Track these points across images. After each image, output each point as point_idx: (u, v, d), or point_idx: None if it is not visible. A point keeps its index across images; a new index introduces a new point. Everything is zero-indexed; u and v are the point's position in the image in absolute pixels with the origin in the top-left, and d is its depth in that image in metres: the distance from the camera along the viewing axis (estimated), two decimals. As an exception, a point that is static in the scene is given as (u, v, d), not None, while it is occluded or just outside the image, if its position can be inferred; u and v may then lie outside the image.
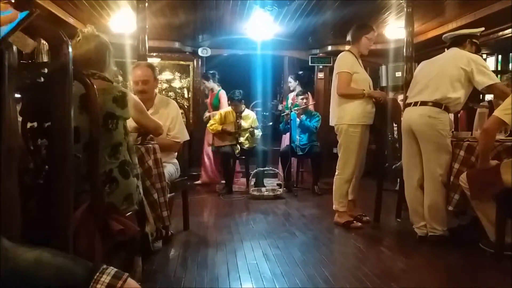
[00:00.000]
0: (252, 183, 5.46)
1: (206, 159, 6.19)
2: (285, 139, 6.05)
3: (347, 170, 3.66)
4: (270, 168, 5.77)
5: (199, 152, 6.21)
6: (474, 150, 2.92)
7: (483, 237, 2.85)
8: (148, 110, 2.94)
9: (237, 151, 5.61)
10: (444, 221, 3.10)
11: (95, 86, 1.63)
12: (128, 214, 1.90)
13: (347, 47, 3.83)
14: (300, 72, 7.24)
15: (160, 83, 6.73)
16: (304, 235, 3.49)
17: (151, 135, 2.67)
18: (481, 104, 4.02)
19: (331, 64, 6.40)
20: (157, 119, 2.66)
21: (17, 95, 1.21)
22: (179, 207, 3.54)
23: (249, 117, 5.78)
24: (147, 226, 2.30)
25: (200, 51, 6.72)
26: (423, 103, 3.13)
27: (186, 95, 7.03)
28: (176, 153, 3.38)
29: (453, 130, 3.42)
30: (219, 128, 5.65)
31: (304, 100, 5.66)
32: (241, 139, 5.68)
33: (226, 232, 3.56)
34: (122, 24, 4.97)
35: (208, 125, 5.83)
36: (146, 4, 4.09)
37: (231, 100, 5.76)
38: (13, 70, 1.06)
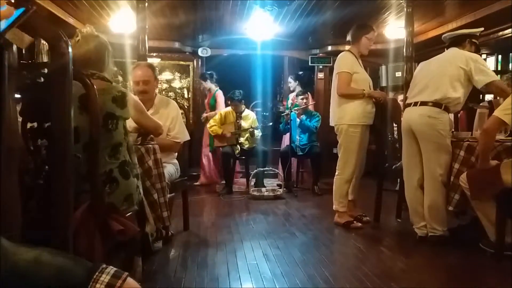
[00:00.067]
0: (252, 183, 5.46)
1: (204, 160, 6.18)
2: (285, 139, 6.05)
3: (347, 170, 3.66)
4: (270, 168, 5.78)
5: (199, 153, 6.21)
6: (474, 150, 2.92)
7: (483, 237, 2.86)
8: (148, 110, 2.94)
9: (237, 151, 5.61)
10: (444, 221, 3.10)
11: (95, 86, 1.63)
12: (128, 214, 1.89)
13: (347, 47, 3.83)
14: (300, 72, 7.24)
15: (160, 83, 6.72)
16: (304, 235, 3.49)
17: (151, 136, 2.67)
18: (481, 104, 4.02)
19: (331, 64, 6.40)
20: (157, 119, 2.66)
21: (17, 95, 1.21)
22: (179, 207, 3.54)
23: (249, 117, 5.78)
24: (147, 226, 2.30)
25: (200, 51, 6.73)
26: (423, 103, 3.13)
27: (186, 95, 7.03)
28: (176, 154, 3.38)
29: (453, 130, 3.42)
30: (219, 131, 5.64)
31: (304, 100, 5.66)
32: (241, 139, 5.68)
33: (226, 232, 3.56)
34: (122, 24, 4.97)
35: (208, 125, 5.83)
36: (146, 4, 4.09)
37: (231, 100, 5.75)
38: (13, 70, 1.06)
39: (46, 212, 1.16)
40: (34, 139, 1.25)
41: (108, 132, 1.84)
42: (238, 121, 5.74)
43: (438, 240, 3.07)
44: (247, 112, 5.85)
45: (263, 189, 5.29)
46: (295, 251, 3.04)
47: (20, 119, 1.24)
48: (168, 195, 2.84)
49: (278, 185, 5.73)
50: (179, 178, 3.36)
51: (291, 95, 6.42)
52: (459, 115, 4.15)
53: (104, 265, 0.88)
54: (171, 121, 3.20)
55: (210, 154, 6.14)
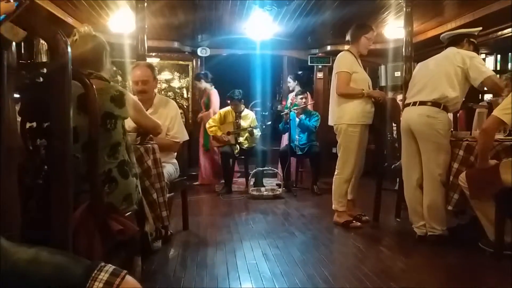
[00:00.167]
0: (252, 183, 5.46)
1: (201, 161, 6.18)
2: (285, 139, 6.05)
3: (346, 169, 3.66)
4: (270, 168, 5.77)
5: (198, 152, 6.20)
6: (473, 149, 2.92)
7: (482, 237, 2.86)
8: (147, 110, 2.94)
9: (236, 151, 5.61)
10: (443, 220, 3.11)
11: (98, 86, 1.63)
12: (128, 214, 1.89)
13: (346, 47, 3.83)
14: (299, 72, 7.25)
15: (159, 83, 6.72)
16: (304, 235, 3.49)
17: (150, 135, 2.67)
18: (480, 104, 4.03)
19: (330, 64, 6.41)
20: (156, 119, 2.66)
21: (16, 95, 1.20)
22: (179, 207, 3.54)
23: (248, 117, 5.79)
24: (146, 225, 2.30)
25: (199, 51, 6.72)
26: (422, 103, 3.13)
27: (185, 95, 7.03)
28: (175, 153, 3.38)
29: (452, 129, 3.42)
30: (219, 133, 5.64)
31: (303, 100, 5.66)
32: (240, 139, 5.68)
33: (226, 232, 3.56)
34: (121, 24, 4.97)
35: (207, 125, 5.82)
36: (145, 4, 4.08)
37: (231, 99, 5.75)
38: (12, 70, 1.06)
39: (46, 212, 1.16)
40: (33, 139, 1.25)
41: (107, 131, 1.84)
42: (237, 120, 5.74)
43: (437, 240, 3.07)
44: (246, 112, 5.85)
45: (263, 189, 5.29)
46: (295, 250, 3.04)
47: (19, 119, 1.24)
48: (167, 195, 2.84)
49: (277, 184, 5.72)
50: (178, 177, 3.36)
51: (291, 95, 6.42)
52: (458, 114, 4.15)
53: (102, 263, 0.88)
54: (170, 121, 3.20)
55: (206, 153, 6.12)
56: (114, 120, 1.87)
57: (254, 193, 5.18)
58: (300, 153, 5.64)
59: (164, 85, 6.93)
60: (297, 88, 6.38)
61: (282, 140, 6.30)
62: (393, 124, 4.03)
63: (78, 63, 1.83)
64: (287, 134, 5.70)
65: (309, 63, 7.04)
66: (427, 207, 3.11)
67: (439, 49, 3.34)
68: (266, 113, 7.93)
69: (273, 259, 2.82)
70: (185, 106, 6.58)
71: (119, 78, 6.46)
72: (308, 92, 5.97)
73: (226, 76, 7.73)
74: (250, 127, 5.64)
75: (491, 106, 3.52)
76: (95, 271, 0.85)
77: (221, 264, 2.73)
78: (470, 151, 2.94)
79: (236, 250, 3.04)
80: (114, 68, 6.25)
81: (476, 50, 3.33)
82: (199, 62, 7.01)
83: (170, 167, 3.20)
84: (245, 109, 5.89)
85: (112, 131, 1.87)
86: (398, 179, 3.86)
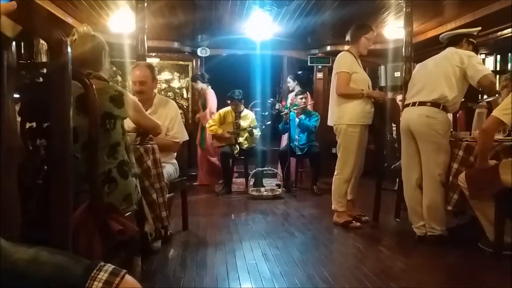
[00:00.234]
0: (251, 183, 5.46)
1: (199, 161, 6.17)
2: (284, 139, 6.05)
3: (346, 170, 3.66)
4: (269, 168, 5.78)
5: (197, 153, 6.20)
6: (473, 150, 2.92)
7: (482, 237, 2.86)
8: (147, 110, 2.94)
9: (236, 151, 5.61)
10: (443, 220, 3.11)
11: (97, 87, 1.63)
12: (128, 214, 1.89)
13: (346, 47, 3.83)
14: (299, 72, 7.24)
15: (159, 83, 6.72)
16: (303, 235, 3.49)
17: (150, 135, 2.66)
18: (480, 104, 4.02)
19: (330, 64, 6.41)
20: (156, 119, 2.66)
21: (16, 95, 1.21)
22: (178, 207, 3.54)
23: (248, 117, 5.79)
24: (146, 226, 2.30)
25: (199, 51, 6.72)
26: (421, 103, 3.14)
27: (185, 95, 7.03)
28: (175, 153, 3.38)
29: (451, 130, 3.42)
30: (219, 131, 5.64)
31: (303, 100, 5.66)
32: (240, 139, 5.68)
33: (225, 232, 3.56)
34: (121, 24, 4.96)
35: (207, 125, 5.83)
36: (145, 4, 4.08)
37: (231, 99, 5.76)
38: (12, 70, 1.06)
39: (46, 212, 1.16)
40: (33, 139, 1.25)
41: (106, 132, 1.84)
42: (237, 120, 5.75)
43: (437, 240, 3.07)
44: (246, 112, 5.85)
45: (262, 189, 5.29)
46: (294, 251, 3.04)
47: (19, 119, 1.24)
48: (167, 195, 2.84)
49: (277, 185, 5.72)
50: (178, 178, 3.36)
51: (290, 95, 6.42)
52: (457, 115, 4.16)
53: (102, 263, 0.88)
54: (170, 121, 3.20)
55: (202, 153, 6.11)
56: (114, 120, 1.87)
57: (254, 193, 5.18)
58: (299, 153, 5.64)
59: (164, 85, 6.93)
60: (297, 88, 6.38)
61: (281, 140, 6.30)
62: (393, 124, 4.03)
63: (77, 63, 1.82)
64: (287, 134, 5.70)
65: (309, 63, 7.04)
66: (426, 207, 3.11)
67: (439, 50, 3.34)
68: (266, 113, 7.93)
69: (273, 259, 2.82)
70: (185, 106, 6.58)
71: (119, 78, 6.46)
72: (308, 92, 5.98)
73: (226, 76, 7.73)
74: (250, 127, 5.64)
75: (491, 106, 3.52)
76: (95, 271, 0.85)
77: (220, 264, 2.73)
78: (469, 151, 2.95)
79: (235, 250, 3.04)
80: (114, 68, 6.25)
81: (476, 50, 3.34)
82: (199, 62, 7.01)
83: (170, 167, 3.20)
84: (245, 109, 5.90)
85: (112, 131, 1.87)
86: (397, 179, 3.86)
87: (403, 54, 4.30)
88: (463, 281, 2.52)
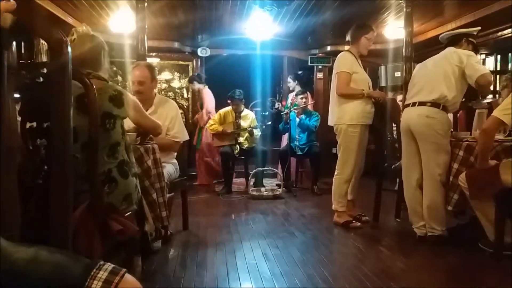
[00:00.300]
0: (252, 183, 5.47)
1: (197, 161, 6.17)
2: (285, 139, 6.05)
3: (346, 170, 3.66)
4: (270, 168, 5.77)
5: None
6: (473, 150, 2.92)
7: (482, 237, 2.86)
8: (147, 110, 2.94)
9: (236, 151, 5.61)
10: (443, 221, 3.11)
11: (96, 86, 1.63)
12: (128, 214, 1.89)
13: (346, 47, 3.83)
14: (300, 72, 7.24)
15: (160, 83, 6.72)
16: (304, 235, 3.49)
17: (150, 135, 2.66)
18: (480, 104, 4.02)
19: (331, 64, 6.41)
20: (156, 119, 2.66)
21: (16, 95, 1.20)
22: (179, 207, 3.54)
23: (248, 117, 5.79)
24: (146, 225, 2.30)
25: (199, 51, 6.72)
26: (421, 103, 3.14)
27: (185, 95, 7.03)
28: (175, 153, 3.38)
29: (452, 130, 3.42)
30: (220, 129, 5.65)
31: (304, 100, 5.66)
32: (240, 139, 5.68)
33: (226, 232, 3.56)
34: (122, 24, 4.97)
35: (207, 125, 5.83)
36: (146, 4, 4.09)
37: (232, 99, 5.76)
38: (12, 70, 1.06)
39: (45, 212, 1.16)
40: (33, 138, 1.25)
41: (106, 131, 1.84)
42: (237, 120, 5.75)
43: (437, 240, 3.07)
44: (246, 112, 5.86)
45: (262, 189, 5.29)
46: (295, 250, 3.04)
47: (19, 118, 1.24)
48: (167, 195, 2.84)
49: (277, 184, 5.73)
50: (178, 178, 3.36)
51: (291, 95, 6.42)
52: (458, 115, 4.16)
53: (101, 262, 0.88)
54: (170, 121, 3.20)
55: (199, 154, 6.11)
56: (113, 120, 1.87)
57: (254, 193, 5.18)
58: (300, 153, 5.64)
59: (164, 85, 6.93)
60: (297, 88, 6.38)
61: (282, 140, 6.30)
62: (393, 124, 4.03)
63: (76, 63, 1.82)
64: (287, 134, 5.70)
65: (309, 63, 7.04)
66: (427, 207, 3.11)
67: (439, 50, 3.34)
68: (266, 113, 7.92)
69: (273, 259, 2.82)
70: (185, 106, 6.58)
71: (120, 78, 6.46)
72: (308, 92, 5.98)
73: (226, 76, 7.74)
74: (250, 127, 5.64)
75: (491, 106, 3.52)
76: (94, 270, 0.85)
77: (221, 264, 2.73)
78: (470, 152, 2.94)
79: (236, 250, 3.04)
80: (115, 68, 6.25)
81: (475, 50, 3.33)
82: (199, 62, 7.01)
83: (170, 167, 3.20)
84: (245, 109, 5.90)
85: (111, 131, 1.87)
86: (398, 179, 3.86)
87: (404, 54, 4.30)
88: (463, 281, 2.52)
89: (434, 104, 3.08)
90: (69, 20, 4.86)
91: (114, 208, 1.71)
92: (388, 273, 2.61)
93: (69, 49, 1.15)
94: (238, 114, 5.77)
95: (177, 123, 3.24)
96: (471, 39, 3.25)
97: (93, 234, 1.54)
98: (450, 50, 3.19)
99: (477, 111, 3.53)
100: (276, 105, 6.44)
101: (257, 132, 5.70)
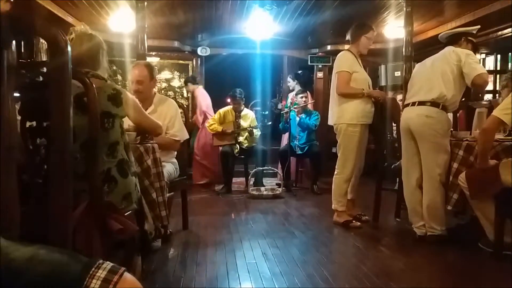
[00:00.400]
0: (251, 182, 5.47)
1: (193, 161, 6.17)
2: (285, 139, 6.06)
3: (346, 169, 3.66)
4: (269, 167, 5.78)
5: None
6: (473, 149, 2.92)
7: (482, 237, 2.86)
8: (146, 109, 2.94)
9: (236, 150, 5.61)
10: (442, 220, 3.11)
11: (95, 85, 1.63)
12: (127, 213, 1.89)
13: (346, 47, 3.83)
14: (299, 72, 7.24)
15: (159, 82, 6.72)
16: (303, 235, 3.49)
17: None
18: (480, 103, 4.02)
19: (330, 64, 6.40)
20: (156, 118, 2.65)
21: (16, 94, 1.20)
22: (178, 207, 3.54)
23: (248, 117, 5.79)
24: (146, 225, 2.30)
25: (199, 50, 6.72)
26: (421, 103, 3.14)
27: (185, 94, 7.02)
28: (175, 153, 3.38)
29: (452, 129, 3.42)
30: (219, 129, 5.64)
31: (304, 99, 5.67)
32: (240, 139, 5.69)
33: (225, 232, 3.56)
34: (121, 23, 4.96)
35: (207, 125, 5.83)
36: (145, 3, 4.08)
37: (232, 98, 5.76)
38: (12, 69, 1.06)
39: (45, 212, 1.15)
40: (33, 138, 1.25)
41: (105, 131, 1.84)
42: (237, 120, 5.75)
43: (436, 240, 3.07)
44: (246, 111, 5.86)
45: (262, 188, 5.30)
46: (294, 250, 3.04)
47: (19, 118, 1.23)
48: (167, 194, 2.84)
49: (277, 184, 5.72)
50: (178, 177, 3.36)
51: (291, 95, 6.42)
52: (458, 114, 4.16)
53: (100, 261, 0.88)
54: (169, 120, 3.20)
55: (194, 154, 6.12)
56: (112, 119, 1.86)
57: (254, 192, 5.18)
58: (300, 152, 5.65)
59: (164, 85, 6.93)
60: (297, 88, 6.39)
61: (282, 140, 6.31)
62: (393, 124, 4.03)
63: (74, 62, 1.82)
64: (287, 134, 5.70)
65: (309, 63, 7.03)
66: (426, 207, 3.11)
67: (439, 49, 3.34)
68: (266, 113, 7.92)
69: (273, 259, 2.82)
70: (185, 106, 6.58)
71: (119, 77, 6.46)
72: (308, 92, 5.98)
73: (226, 75, 7.75)
74: (250, 127, 5.64)
75: (491, 106, 3.52)
76: (93, 269, 0.85)
77: (220, 263, 2.73)
78: (470, 151, 2.94)
79: (235, 249, 3.04)
80: (114, 68, 6.25)
81: (475, 49, 3.33)
82: (199, 62, 7.00)
83: (170, 167, 3.20)
84: (245, 108, 5.90)
85: (110, 130, 1.87)
86: (398, 179, 3.86)
87: (404, 53, 4.30)
88: (463, 281, 2.53)
89: (434, 103, 3.08)
90: (69, 19, 4.86)
91: (113, 208, 1.71)
92: (388, 272, 2.61)
93: (69, 48, 1.15)
94: (238, 114, 5.77)
95: (177, 122, 3.24)
96: (470, 38, 3.25)
97: (92, 234, 1.53)
98: (449, 49, 3.19)
99: (477, 110, 3.53)
100: (279, 106, 6.45)
101: (256, 132, 5.70)
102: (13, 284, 0.84)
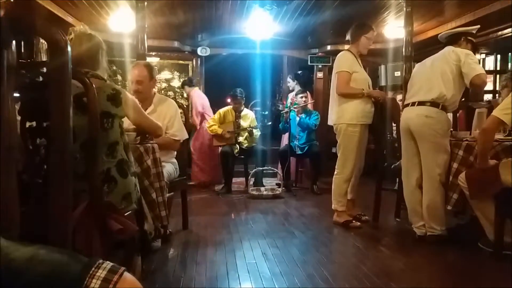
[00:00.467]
0: (251, 182, 5.47)
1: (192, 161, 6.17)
2: (285, 139, 6.06)
3: (346, 169, 3.66)
4: (269, 167, 5.78)
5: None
6: (473, 149, 2.92)
7: (482, 237, 2.86)
8: (146, 109, 2.94)
9: (236, 150, 5.61)
10: (442, 220, 3.11)
11: (94, 85, 1.63)
12: (127, 213, 1.89)
13: (346, 47, 3.83)
14: (299, 72, 7.24)
15: (159, 82, 6.72)
16: (303, 235, 3.49)
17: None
18: (480, 103, 4.02)
19: (330, 64, 6.40)
20: (155, 118, 2.66)
21: (16, 94, 1.20)
22: (178, 207, 3.54)
23: (248, 117, 5.79)
24: (145, 225, 2.30)
25: (199, 51, 6.72)
26: (421, 103, 3.14)
27: (185, 95, 7.02)
28: (175, 153, 3.38)
29: (451, 129, 3.42)
30: (219, 131, 5.64)
31: (304, 99, 5.67)
32: (240, 139, 5.69)
33: (225, 232, 3.56)
34: (121, 23, 4.96)
35: (207, 125, 5.83)
36: (145, 3, 4.08)
37: (233, 97, 5.76)
38: (12, 69, 1.06)
39: (45, 212, 1.15)
40: (33, 138, 1.25)
41: (104, 131, 1.84)
42: (237, 120, 5.75)
43: (436, 240, 3.07)
44: (246, 112, 5.86)
45: (262, 189, 5.30)
46: (294, 250, 3.04)
47: (19, 118, 1.23)
48: (167, 194, 2.84)
49: (277, 184, 5.72)
50: (178, 177, 3.36)
51: (290, 95, 6.42)
52: (458, 114, 4.16)
53: (100, 260, 0.88)
54: (169, 119, 3.20)
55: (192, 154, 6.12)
56: (111, 119, 1.86)
57: (254, 192, 5.18)
58: (300, 152, 5.65)
59: (164, 85, 6.93)
60: (297, 88, 6.39)
61: (282, 140, 6.31)
62: (393, 124, 4.03)
63: (73, 62, 1.81)
64: (287, 134, 5.70)
65: (309, 63, 7.03)
66: (426, 207, 3.11)
67: (439, 49, 3.34)
68: (266, 113, 7.92)
69: (273, 259, 2.82)
70: (184, 106, 6.58)
71: (119, 77, 6.46)
72: (308, 92, 5.98)
73: (226, 75, 7.75)
74: (250, 127, 5.64)
75: (491, 106, 3.52)
76: (93, 268, 0.85)
77: (220, 263, 2.73)
78: (469, 151, 2.94)
79: (235, 249, 3.04)
80: (114, 68, 6.25)
81: (474, 48, 3.33)
82: (199, 62, 7.00)
83: (170, 167, 3.20)
84: (245, 108, 5.90)
85: (110, 130, 1.86)
86: (397, 179, 3.86)
87: (403, 53, 4.30)
88: (463, 281, 2.53)
89: (433, 103, 3.08)
90: (69, 19, 4.86)
91: (113, 208, 1.71)
92: (388, 272, 2.61)
93: (69, 48, 1.15)
94: (238, 114, 5.77)
95: (176, 122, 3.24)
96: (470, 38, 3.25)
97: (92, 234, 1.53)
98: (448, 49, 3.19)
99: (477, 110, 3.53)
100: (280, 107, 6.46)
101: (256, 132, 5.70)
102: (13, 284, 0.84)
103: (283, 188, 5.39)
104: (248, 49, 6.93)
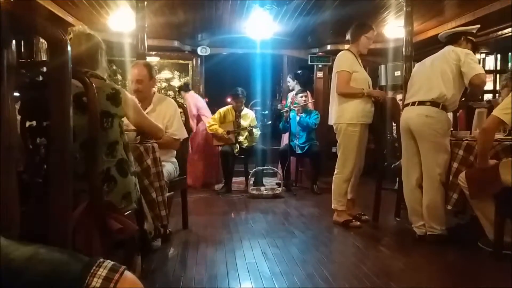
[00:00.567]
0: (251, 182, 5.47)
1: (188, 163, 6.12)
2: (285, 138, 6.06)
3: (346, 169, 3.66)
4: (269, 167, 5.77)
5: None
6: (473, 149, 2.92)
7: (482, 236, 2.86)
8: (145, 108, 2.93)
9: (236, 150, 5.61)
10: (442, 220, 3.11)
11: (94, 85, 1.63)
12: (127, 213, 1.89)
13: (346, 46, 3.83)
14: (299, 71, 7.24)
15: (159, 82, 6.72)
16: (303, 234, 3.49)
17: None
18: (480, 103, 4.02)
19: (330, 63, 6.41)
20: (155, 117, 2.67)
21: (16, 94, 1.20)
22: (178, 206, 3.54)
23: (248, 116, 5.79)
24: (145, 224, 2.30)
25: (199, 50, 6.72)
26: (421, 103, 3.14)
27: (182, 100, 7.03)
28: (175, 152, 3.39)
29: (452, 129, 3.42)
30: (219, 131, 5.63)
31: (304, 98, 5.67)
32: (240, 138, 5.69)
33: (225, 231, 3.56)
34: (121, 22, 4.96)
35: (207, 125, 5.83)
36: (145, 3, 4.08)
37: (234, 96, 5.75)
38: (12, 68, 1.06)
39: (45, 211, 1.16)
40: (33, 137, 1.25)
41: (104, 130, 1.84)
42: (237, 119, 5.75)
43: (436, 239, 3.07)
44: (246, 111, 5.85)
45: (262, 188, 5.29)
46: (294, 250, 3.04)
47: (19, 117, 1.23)
48: (167, 194, 2.84)
49: (277, 184, 5.72)
50: (178, 177, 3.36)
51: (290, 94, 6.42)
52: (458, 114, 4.16)
53: (101, 259, 0.88)
54: (168, 119, 3.20)
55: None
56: (111, 119, 1.86)
57: (254, 192, 5.18)
58: (300, 152, 5.65)
59: (164, 84, 6.93)
60: (297, 88, 6.38)
61: (282, 139, 6.31)
62: (393, 124, 4.03)
63: (73, 62, 1.81)
64: (287, 133, 5.70)
65: (309, 62, 7.03)
66: (426, 206, 3.11)
67: (439, 49, 3.34)
68: (266, 112, 7.92)
69: (273, 259, 2.82)
70: (184, 105, 6.59)
71: (119, 77, 6.46)
72: (308, 91, 5.98)
73: (226, 75, 7.75)
74: (250, 126, 5.64)
75: (491, 105, 3.52)
76: (94, 267, 0.85)
77: (220, 263, 2.73)
78: (469, 151, 2.94)
79: (235, 249, 3.04)
80: (114, 67, 6.25)
81: (474, 48, 3.33)
82: (199, 61, 7.00)
83: (170, 166, 3.20)
84: (245, 108, 5.90)
85: (109, 130, 1.86)
86: (397, 179, 3.86)
87: (404, 53, 4.30)
88: (463, 281, 2.53)
89: (434, 103, 3.08)
90: (69, 19, 4.86)
91: (113, 207, 1.71)
92: (388, 272, 2.61)
93: (69, 48, 1.15)
94: (238, 113, 5.76)
95: (176, 121, 3.24)
96: (470, 38, 3.25)
97: (92, 233, 1.53)
98: (448, 48, 3.19)
99: (477, 110, 3.53)
100: (279, 107, 6.46)
101: (256, 132, 5.70)
102: (13, 284, 0.84)
103: (283, 187, 5.39)
104: (248, 49, 6.93)
